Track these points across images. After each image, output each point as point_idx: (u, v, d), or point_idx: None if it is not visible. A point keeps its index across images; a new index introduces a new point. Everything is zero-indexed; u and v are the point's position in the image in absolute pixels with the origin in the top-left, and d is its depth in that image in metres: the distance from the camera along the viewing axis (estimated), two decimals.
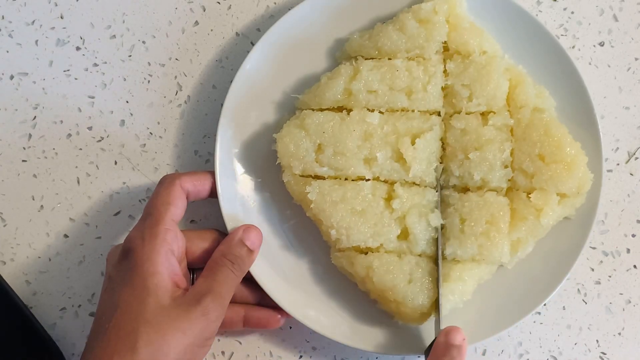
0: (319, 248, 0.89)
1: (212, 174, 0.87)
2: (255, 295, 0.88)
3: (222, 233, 0.86)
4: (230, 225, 0.87)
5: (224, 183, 0.87)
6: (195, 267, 0.86)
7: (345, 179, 0.85)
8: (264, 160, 0.89)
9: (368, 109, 0.85)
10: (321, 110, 0.86)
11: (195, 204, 0.92)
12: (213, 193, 0.87)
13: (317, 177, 0.86)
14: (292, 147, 0.84)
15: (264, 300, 0.88)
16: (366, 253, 0.85)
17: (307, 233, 0.89)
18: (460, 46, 0.85)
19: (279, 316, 0.87)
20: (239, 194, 0.88)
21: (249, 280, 0.87)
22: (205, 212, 0.93)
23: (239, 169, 0.89)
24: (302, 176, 0.85)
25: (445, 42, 0.86)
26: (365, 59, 0.87)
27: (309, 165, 0.84)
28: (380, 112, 0.85)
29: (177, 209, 0.81)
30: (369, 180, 0.85)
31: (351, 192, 0.84)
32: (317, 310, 0.88)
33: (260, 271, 0.86)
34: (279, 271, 0.88)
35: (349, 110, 0.85)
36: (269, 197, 0.90)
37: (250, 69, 0.88)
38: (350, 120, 0.84)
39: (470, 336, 0.85)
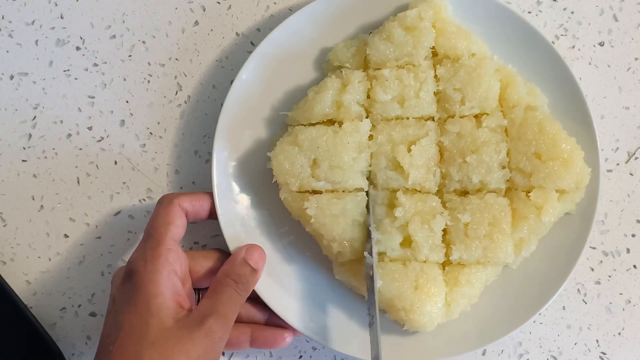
0: (322, 262, 0.89)
1: (210, 194, 0.87)
2: (262, 314, 0.88)
3: (226, 252, 0.86)
4: (232, 245, 0.86)
5: (223, 204, 0.87)
6: (200, 287, 0.85)
7: (343, 191, 0.85)
8: (260, 178, 0.89)
9: (358, 119, 0.85)
10: (312, 125, 0.86)
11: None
12: (212, 214, 0.86)
13: (314, 191, 0.86)
14: (287, 165, 0.84)
15: (271, 320, 0.88)
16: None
17: (308, 248, 0.89)
18: (449, 50, 0.85)
19: (286, 335, 0.87)
20: (238, 213, 0.88)
21: (255, 300, 0.87)
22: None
23: (237, 188, 0.89)
24: (300, 192, 0.85)
25: (433, 48, 0.86)
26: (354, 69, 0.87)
27: (306, 180, 0.84)
28: (367, 117, 0.85)
29: (177, 228, 0.81)
30: (367, 191, 0.85)
31: (350, 205, 0.84)
32: (323, 323, 0.87)
33: (264, 287, 0.86)
34: (282, 286, 0.88)
35: (340, 123, 0.85)
36: (268, 214, 0.90)
37: (241, 86, 0.88)
38: (343, 133, 0.84)
39: (480, 339, 0.85)
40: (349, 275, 0.85)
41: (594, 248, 0.93)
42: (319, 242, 0.86)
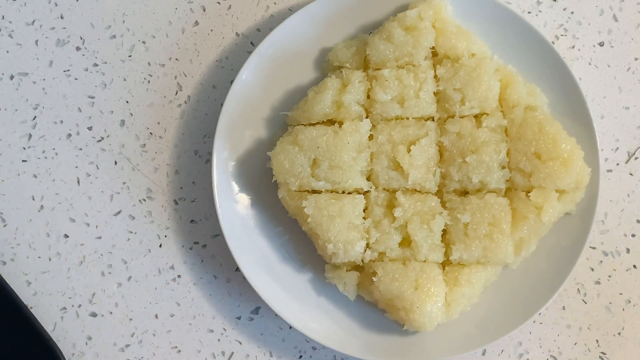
0: (320, 260, 0.88)
1: None
2: None
3: None
4: (232, 245, 0.87)
5: (223, 204, 0.87)
6: None
7: (342, 192, 0.85)
8: (260, 178, 0.89)
9: (358, 119, 0.85)
10: (312, 124, 0.86)
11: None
12: None
13: (313, 191, 0.86)
14: (287, 164, 0.84)
15: None
16: (362, 269, 0.85)
17: (309, 247, 0.89)
18: (449, 50, 0.85)
19: None
20: (238, 213, 0.88)
21: None
22: (205, 212, 0.93)
23: (236, 188, 0.89)
24: (299, 191, 0.86)
25: (433, 48, 0.86)
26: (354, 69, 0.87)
27: (306, 180, 0.84)
28: (367, 117, 0.85)
29: None
30: (368, 192, 0.85)
31: (348, 206, 0.84)
32: (323, 323, 0.88)
33: (264, 287, 0.87)
34: (282, 286, 0.88)
35: (340, 123, 0.85)
36: (268, 213, 0.90)
37: (241, 86, 0.88)
38: (344, 133, 0.84)
39: (480, 339, 0.85)
40: (339, 279, 0.86)
41: (594, 248, 0.93)
42: (314, 241, 0.86)
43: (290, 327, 0.92)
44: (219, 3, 0.94)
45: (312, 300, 0.89)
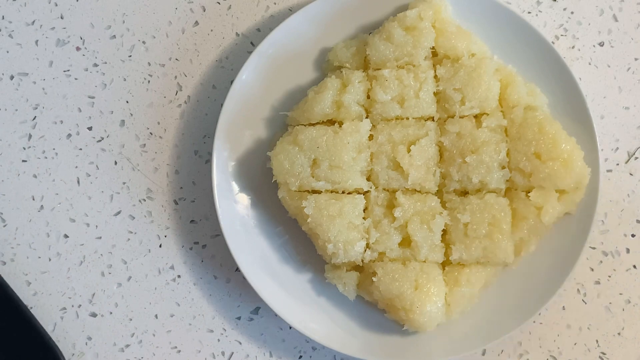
0: (320, 260, 0.89)
1: None
2: None
3: None
4: (232, 245, 0.87)
5: (223, 204, 0.87)
6: None
7: (342, 192, 0.85)
8: (260, 178, 0.89)
9: (358, 119, 0.86)
10: (312, 124, 0.86)
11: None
12: None
13: (313, 191, 0.86)
14: (287, 164, 0.84)
15: None
16: (362, 269, 0.85)
17: (308, 247, 0.89)
18: (449, 50, 0.85)
19: None
20: (238, 213, 0.88)
21: None
22: (205, 212, 0.93)
23: (236, 188, 0.89)
24: (299, 191, 0.86)
25: (433, 48, 0.86)
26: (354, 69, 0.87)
27: (306, 180, 0.84)
28: (367, 117, 0.86)
29: None
30: (368, 192, 0.85)
31: (348, 206, 0.84)
32: (323, 323, 0.88)
33: (264, 287, 0.87)
34: (282, 286, 0.88)
35: (340, 123, 0.85)
36: (268, 213, 0.90)
37: (241, 86, 0.88)
38: (344, 133, 0.84)
39: (480, 339, 0.85)
40: (339, 279, 0.86)
41: (594, 248, 0.93)
42: (314, 241, 0.86)
43: (290, 327, 0.92)
44: (219, 3, 0.94)
45: (312, 300, 0.89)
